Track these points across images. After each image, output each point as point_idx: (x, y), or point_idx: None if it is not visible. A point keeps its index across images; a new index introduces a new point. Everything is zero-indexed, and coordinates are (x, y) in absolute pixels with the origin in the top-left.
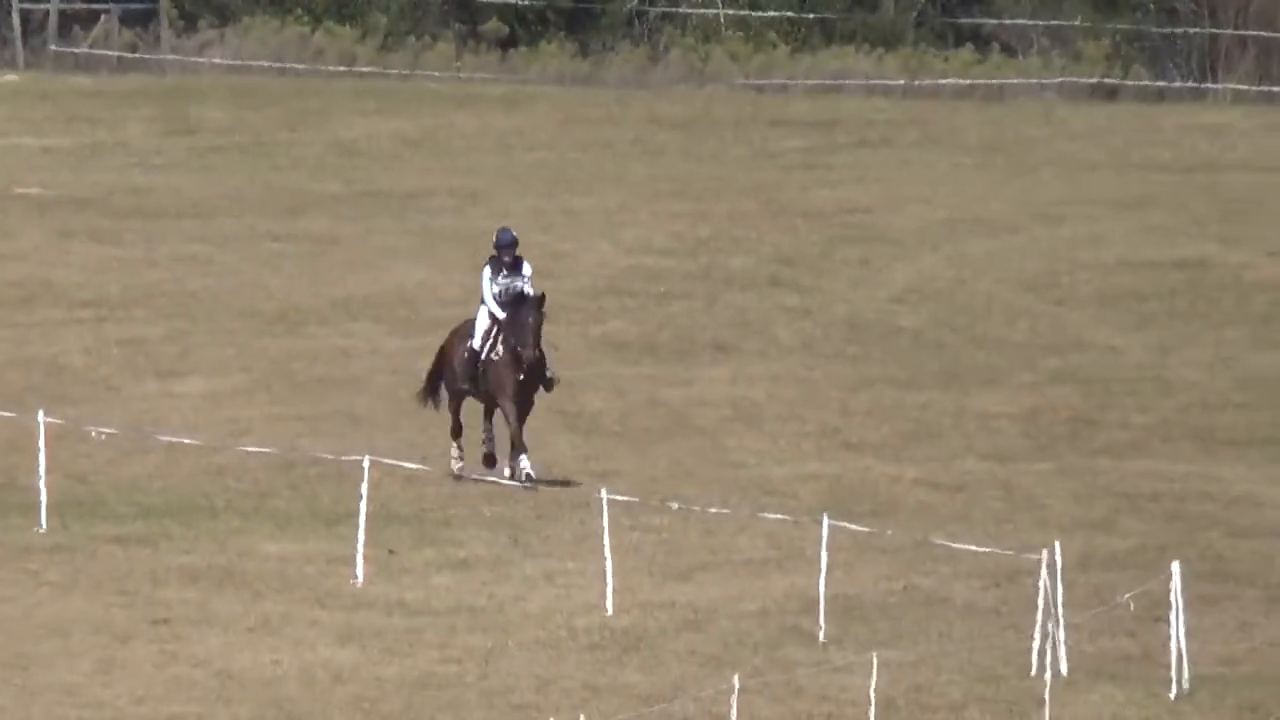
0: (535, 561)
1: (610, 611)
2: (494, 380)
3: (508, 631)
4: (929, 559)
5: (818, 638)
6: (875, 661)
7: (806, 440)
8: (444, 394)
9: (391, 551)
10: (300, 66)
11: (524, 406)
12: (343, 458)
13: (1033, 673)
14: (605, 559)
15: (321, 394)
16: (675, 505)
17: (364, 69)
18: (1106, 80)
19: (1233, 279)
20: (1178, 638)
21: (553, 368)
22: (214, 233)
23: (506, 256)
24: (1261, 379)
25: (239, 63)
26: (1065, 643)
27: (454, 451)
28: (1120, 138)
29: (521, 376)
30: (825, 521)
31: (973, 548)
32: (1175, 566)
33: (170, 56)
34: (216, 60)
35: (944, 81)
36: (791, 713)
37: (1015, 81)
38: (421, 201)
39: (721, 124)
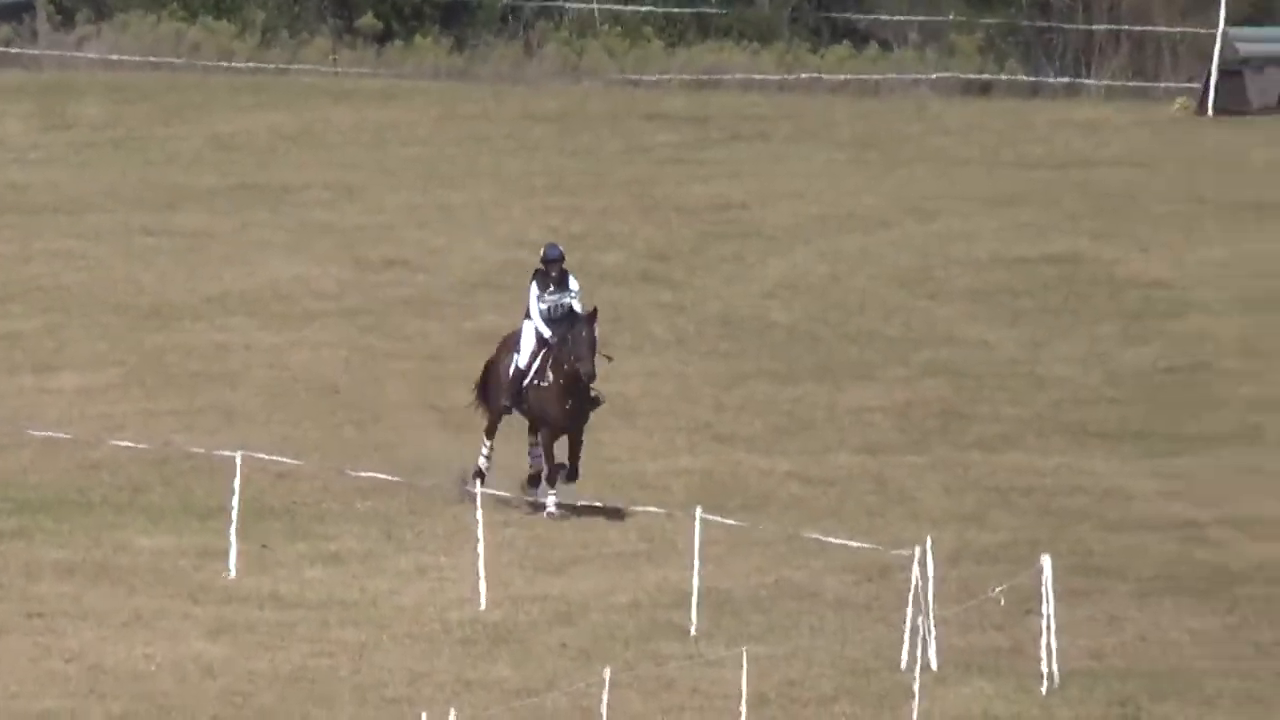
0: (408, 556)
1: (483, 606)
2: (538, 407)
3: (380, 625)
4: (801, 553)
5: (689, 631)
6: (746, 655)
7: (679, 435)
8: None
9: (264, 546)
10: (177, 61)
11: (573, 435)
12: (215, 452)
13: (903, 666)
14: (478, 553)
15: (195, 389)
16: (549, 500)
17: (241, 64)
18: (981, 76)
19: (1105, 275)
20: (1048, 631)
21: (596, 388)
22: (89, 228)
23: (554, 271)
24: (1133, 374)
25: (116, 58)
26: (936, 637)
27: (483, 449)
28: (993, 134)
29: (569, 405)
30: (698, 515)
31: (844, 542)
32: (1046, 560)
33: (47, 52)
34: (93, 56)
35: (819, 76)
36: (662, 706)
37: (890, 77)
38: (297, 195)
39: (596, 119)
